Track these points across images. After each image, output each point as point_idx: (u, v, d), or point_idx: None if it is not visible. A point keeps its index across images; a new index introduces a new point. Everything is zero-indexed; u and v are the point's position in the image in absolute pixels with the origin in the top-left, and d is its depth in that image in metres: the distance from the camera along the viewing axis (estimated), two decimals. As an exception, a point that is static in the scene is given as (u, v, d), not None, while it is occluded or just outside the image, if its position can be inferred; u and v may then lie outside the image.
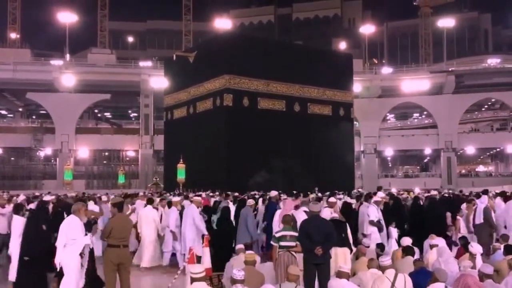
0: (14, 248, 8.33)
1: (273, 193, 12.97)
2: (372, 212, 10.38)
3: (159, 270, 10.76)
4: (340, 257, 7.98)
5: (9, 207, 10.48)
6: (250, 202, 11.59)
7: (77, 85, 43.93)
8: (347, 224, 8.87)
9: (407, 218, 11.82)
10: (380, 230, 10.35)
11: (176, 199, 12.09)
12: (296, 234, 7.44)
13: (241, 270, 5.54)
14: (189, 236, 10.19)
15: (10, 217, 9.53)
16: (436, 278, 5.81)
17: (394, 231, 10.62)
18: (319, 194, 15.95)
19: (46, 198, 13.34)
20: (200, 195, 13.20)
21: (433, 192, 15.49)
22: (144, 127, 46.64)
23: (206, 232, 10.06)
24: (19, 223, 8.53)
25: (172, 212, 11.00)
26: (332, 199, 10.10)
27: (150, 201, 11.96)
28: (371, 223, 10.23)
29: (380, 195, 12.75)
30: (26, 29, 57.22)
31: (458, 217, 11.87)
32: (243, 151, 22.97)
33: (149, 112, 46.52)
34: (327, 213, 8.80)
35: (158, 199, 13.60)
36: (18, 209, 9.11)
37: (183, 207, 11.26)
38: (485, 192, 13.67)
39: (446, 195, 16.72)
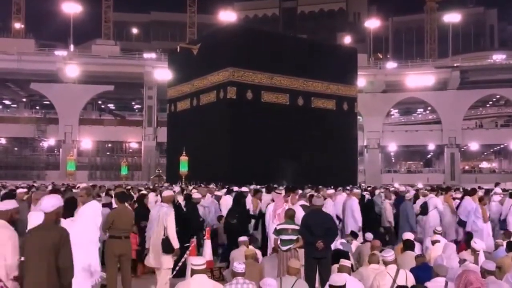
0: None
1: (402, 188, 13.20)
2: None
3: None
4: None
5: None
6: (409, 196, 11.98)
7: (81, 76, 43.92)
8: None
9: None
10: None
11: (330, 191, 12.68)
12: (297, 227, 7.43)
13: (242, 263, 5.50)
14: (350, 226, 10.99)
15: None
16: (436, 273, 5.80)
17: None
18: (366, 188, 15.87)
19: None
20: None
21: None
22: (147, 119, 46.63)
23: (360, 225, 10.88)
24: None
25: (329, 204, 11.52)
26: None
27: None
28: None
29: (498, 191, 12.93)
30: (31, 19, 57.26)
31: None
32: (246, 144, 22.93)
33: (153, 104, 46.54)
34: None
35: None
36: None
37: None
38: None
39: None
